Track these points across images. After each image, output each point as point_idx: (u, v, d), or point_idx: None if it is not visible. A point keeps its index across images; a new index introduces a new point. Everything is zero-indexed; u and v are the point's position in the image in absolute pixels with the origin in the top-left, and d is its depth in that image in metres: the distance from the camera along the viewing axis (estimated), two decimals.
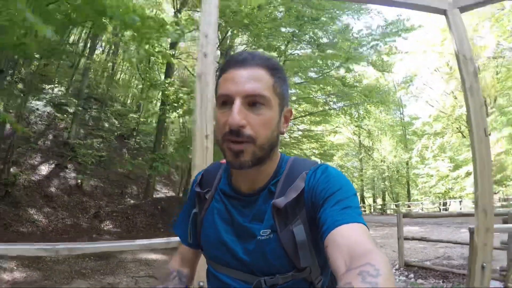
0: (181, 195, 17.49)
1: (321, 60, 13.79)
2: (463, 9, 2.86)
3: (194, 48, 16.54)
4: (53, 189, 12.45)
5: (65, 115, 15.83)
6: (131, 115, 19.98)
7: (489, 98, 19.44)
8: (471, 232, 2.67)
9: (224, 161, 0.99)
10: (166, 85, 13.03)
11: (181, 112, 12.94)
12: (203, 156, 2.23)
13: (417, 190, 30.44)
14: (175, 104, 12.62)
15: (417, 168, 28.20)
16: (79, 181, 13.46)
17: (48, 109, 15.71)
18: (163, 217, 13.51)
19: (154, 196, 15.75)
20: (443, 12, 2.84)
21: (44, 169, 13.22)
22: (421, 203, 28.81)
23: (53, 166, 13.57)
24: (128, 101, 24.19)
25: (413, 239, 6.75)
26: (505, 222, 5.89)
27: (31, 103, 14.89)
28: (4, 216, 9.47)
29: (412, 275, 5.82)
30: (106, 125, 18.92)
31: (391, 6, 3.13)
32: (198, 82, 2.31)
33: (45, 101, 15.82)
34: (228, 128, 0.83)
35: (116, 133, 18.66)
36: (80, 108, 15.53)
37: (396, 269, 6.32)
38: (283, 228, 0.87)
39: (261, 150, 0.86)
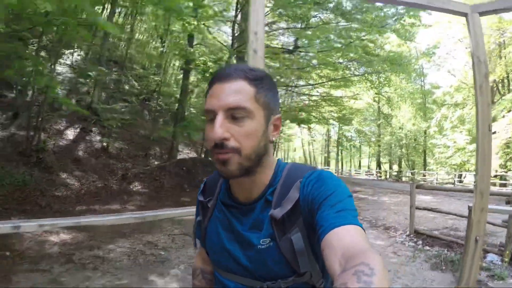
0: (203, 155, 18.15)
1: (345, 32, 13.96)
2: (483, 14, 3.13)
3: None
4: (80, 153, 12.87)
5: (87, 80, 16.03)
6: (151, 77, 20.20)
7: None
8: (470, 210, 3.18)
9: None
10: (197, 55, 13.69)
11: (208, 76, 13.50)
12: None
13: (434, 159, 30.29)
14: (204, 71, 13.33)
15: (434, 138, 27.91)
16: (105, 144, 13.83)
17: (69, 74, 15.99)
18: (188, 177, 13.95)
19: (177, 157, 16.17)
20: (464, 15, 3.17)
21: (70, 134, 13.62)
22: (436, 173, 28.62)
23: (78, 130, 13.96)
24: (147, 64, 24.22)
25: (424, 209, 7.12)
26: (508, 202, 6.43)
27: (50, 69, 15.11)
28: (39, 182, 9.80)
29: (420, 242, 6.30)
30: (127, 87, 19.22)
31: (415, 7, 3.50)
32: (253, 56, 2.73)
33: (66, 66, 16.08)
34: (213, 142, 0.87)
35: (137, 96, 18.96)
36: (102, 71, 15.84)
37: (406, 235, 6.82)
38: (282, 236, 0.91)
39: (248, 161, 0.89)
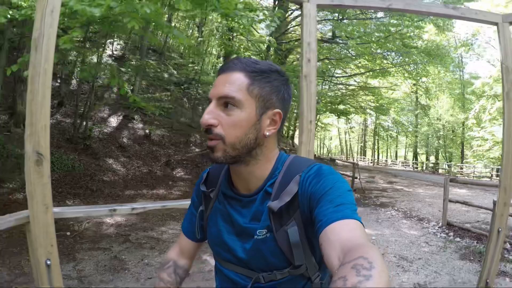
0: None
1: (383, 26, 14.15)
2: None
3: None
4: (125, 140, 13.34)
5: (128, 68, 16.57)
6: (189, 65, 20.55)
7: None
8: (494, 204, 3.54)
9: None
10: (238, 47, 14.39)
11: None
12: (308, 136, 3.15)
13: (471, 152, 29.55)
14: None
15: (472, 130, 27.23)
16: (147, 131, 14.24)
17: (110, 62, 16.39)
18: None
19: None
20: (495, 24, 3.38)
21: (114, 121, 14.12)
22: (474, 166, 28.06)
23: (121, 118, 14.43)
24: (185, 52, 24.60)
25: (457, 202, 7.39)
26: None
27: (92, 59, 15.50)
28: (88, 167, 10.40)
29: (451, 234, 6.60)
30: (166, 75, 19.69)
31: (450, 18, 3.85)
32: (304, 81, 3.08)
33: (105, 55, 16.52)
34: (202, 127, 0.91)
35: (176, 84, 19.49)
36: (141, 59, 16.30)
37: (439, 227, 7.12)
38: (279, 228, 0.92)
39: (233, 149, 0.91)
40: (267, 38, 13.65)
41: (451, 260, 5.24)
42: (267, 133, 0.95)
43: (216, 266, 1.12)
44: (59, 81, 13.55)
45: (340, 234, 0.73)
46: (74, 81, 14.60)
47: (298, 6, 3.22)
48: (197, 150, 15.52)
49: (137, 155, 12.59)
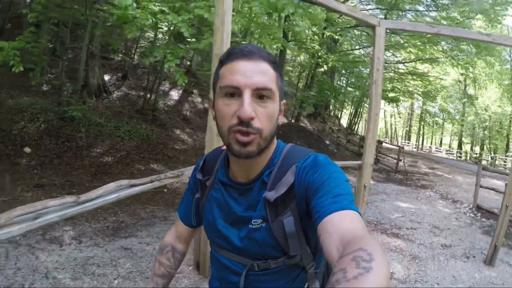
0: (293, 121, 20.06)
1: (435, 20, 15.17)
2: None
3: None
4: (187, 112, 14.43)
5: (186, 45, 17.69)
6: (243, 43, 20.83)
7: None
8: (506, 185, 4.91)
9: (225, 147, 1.02)
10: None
11: None
12: (374, 124, 4.54)
13: None
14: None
15: None
16: (206, 105, 14.97)
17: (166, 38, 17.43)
18: (285, 141, 15.51)
19: None
20: None
21: (175, 95, 15.21)
22: None
23: (181, 92, 15.50)
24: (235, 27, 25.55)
25: (486, 188, 8.61)
26: None
27: (150, 34, 16.27)
28: (159, 136, 11.31)
29: (479, 215, 7.91)
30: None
31: (484, 42, 5.28)
32: (374, 85, 4.47)
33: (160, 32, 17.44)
34: (237, 120, 0.88)
35: None
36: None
37: (469, 208, 8.44)
38: (274, 219, 0.95)
39: (265, 142, 0.93)
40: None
41: (474, 233, 6.62)
42: (279, 123, 0.98)
43: (212, 253, 1.15)
44: (120, 55, 14.67)
45: (339, 225, 0.74)
46: (135, 56, 15.85)
47: (371, 29, 4.67)
48: None
49: (199, 127, 13.61)
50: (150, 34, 15.59)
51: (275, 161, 1.01)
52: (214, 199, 1.10)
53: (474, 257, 5.34)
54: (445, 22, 15.08)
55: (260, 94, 0.90)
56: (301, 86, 21.52)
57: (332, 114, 31.47)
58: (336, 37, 15.07)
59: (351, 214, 0.78)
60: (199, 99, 16.12)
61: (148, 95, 13.20)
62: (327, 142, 19.94)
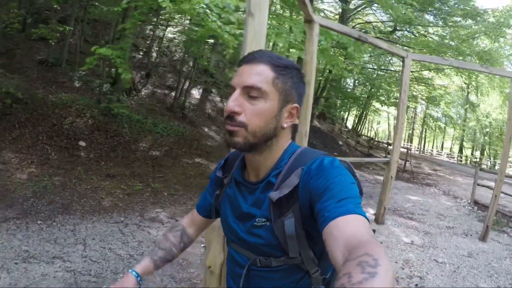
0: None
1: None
2: None
3: None
4: (210, 111, 15.45)
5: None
6: None
7: None
8: (495, 181, 6.74)
9: None
10: None
11: None
12: (400, 131, 6.39)
13: None
14: None
15: None
16: (225, 104, 16.20)
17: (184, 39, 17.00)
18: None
19: None
20: None
21: (196, 94, 15.96)
22: None
23: (201, 91, 16.29)
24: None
25: (483, 186, 10.40)
26: None
27: (168, 34, 17.48)
28: (192, 133, 12.13)
29: (476, 208, 9.81)
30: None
31: (484, 73, 7.14)
32: (401, 103, 6.21)
33: (175, 33, 18.16)
34: (226, 113, 1.01)
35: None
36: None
37: (468, 203, 10.36)
38: (277, 219, 1.00)
39: (253, 137, 1.00)
40: None
41: (471, 220, 8.49)
42: (285, 125, 1.06)
43: (227, 245, 1.26)
44: (141, 53, 15.46)
45: (344, 229, 0.76)
46: (154, 54, 16.50)
47: (401, 59, 6.44)
48: None
49: (223, 125, 14.52)
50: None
51: (284, 163, 1.07)
52: (228, 196, 1.20)
53: (471, 235, 7.13)
54: (452, 43, 16.81)
55: (249, 92, 1.00)
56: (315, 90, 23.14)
57: (338, 115, 33.07)
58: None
59: (356, 218, 0.80)
60: (218, 98, 17.10)
61: (176, 94, 14.14)
62: (340, 142, 21.58)
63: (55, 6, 10.92)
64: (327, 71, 19.89)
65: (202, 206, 1.40)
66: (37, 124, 8.69)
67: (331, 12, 23.11)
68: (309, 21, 4.32)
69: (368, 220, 0.82)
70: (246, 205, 1.11)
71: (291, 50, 8.91)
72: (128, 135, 10.29)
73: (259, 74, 1.01)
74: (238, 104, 1.00)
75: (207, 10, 5.93)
